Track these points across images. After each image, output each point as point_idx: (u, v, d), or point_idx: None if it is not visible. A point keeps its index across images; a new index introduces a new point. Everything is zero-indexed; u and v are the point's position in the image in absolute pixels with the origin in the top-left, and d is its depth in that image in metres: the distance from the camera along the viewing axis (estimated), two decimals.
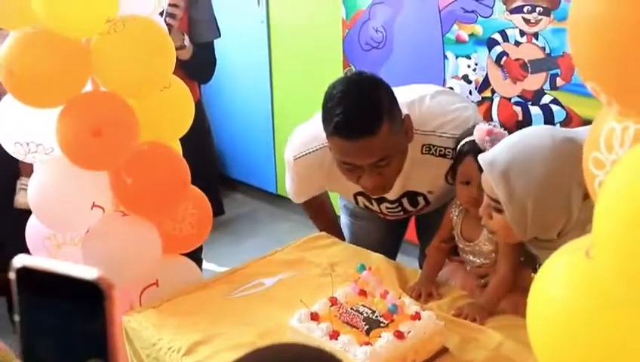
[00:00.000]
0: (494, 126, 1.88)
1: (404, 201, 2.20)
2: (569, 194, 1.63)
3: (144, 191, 2.14)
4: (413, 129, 2.00)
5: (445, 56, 3.47)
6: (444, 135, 2.02)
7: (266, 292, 2.10)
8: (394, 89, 1.98)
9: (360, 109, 1.86)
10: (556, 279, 0.99)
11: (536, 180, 1.64)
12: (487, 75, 3.31)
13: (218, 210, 3.33)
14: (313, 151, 2.12)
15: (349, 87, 1.91)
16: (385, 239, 2.42)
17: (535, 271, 1.84)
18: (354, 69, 3.88)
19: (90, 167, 2.12)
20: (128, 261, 2.18)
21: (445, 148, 2.02)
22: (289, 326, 1.75)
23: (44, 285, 0.56)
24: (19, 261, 0.57)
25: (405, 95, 2.08)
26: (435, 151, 2.02)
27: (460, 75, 3.40)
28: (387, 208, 2.24)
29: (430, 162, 2.02)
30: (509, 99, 3.26)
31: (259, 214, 4.76)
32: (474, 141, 1.89)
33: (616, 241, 0.83)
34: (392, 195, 2.17)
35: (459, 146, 1.96)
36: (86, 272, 0.55)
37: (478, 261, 1.99)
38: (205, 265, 3.82)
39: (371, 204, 2.24)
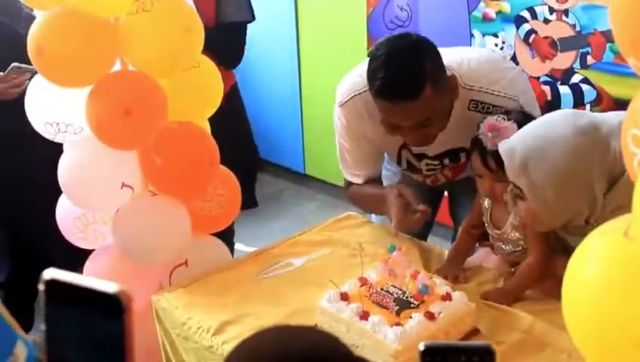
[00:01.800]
0: (502, 119, 1.83)
1: (445, 160, 2.19)
2: (590, 183, 1.61)
3: (173, 170, 2.14)
4: (461, 84, 1.99)
5: (472, 35, 3.42)
6: (493, 92, 1.99)
7: (294, 273, 2.09)
8: (442, 49, 1.96)
9: (402, 74, 1.85)
10: (593, 259, 0.97)
11: (555, 170, 1.62)
12: (514, 53, 3.27)
13: (250, 203, 3.19)
14: (359, 93, 2.09)
15: (392, 49, 1.89)
16: None
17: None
18: None
19: (119, 146, 2.12)
20: (158, 240, 2.18)
21: (493, 106, 1.98)
22: (318, 307, 1.74)
23: (69, 297, 0.61)
24: (48, 274, 0.62)
25: (454, 53, 2.07)
26: (482, 108, 1.99)
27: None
28: (427, 165, 2.23)
29: (476, 119, 1.98)
30: (538, 78, 3.21)
31: (285, 194, 4.75)
32: (477, 136, 1.87)
33: None
34: (433, 152, 2.16)
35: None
36: (108, 286, 0.60)
37: (508, 248, 1.97)
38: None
39: (414, 158, 2.23)
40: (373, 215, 2.47)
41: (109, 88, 2.07)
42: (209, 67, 2.26)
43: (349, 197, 2.38)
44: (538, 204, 1.67)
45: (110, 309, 0.59)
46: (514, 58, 3.26)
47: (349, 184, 2.35)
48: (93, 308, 0.60)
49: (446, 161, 2.19)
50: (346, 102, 2.14)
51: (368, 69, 1.92)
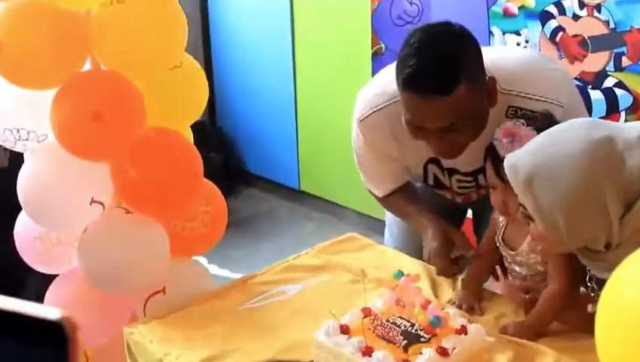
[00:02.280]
0: (521, 124, 1.83)
1: (480, 177, 2.15)
2: (604, 205, 1.59)
3: (150, 185, 2.13)
4: (499, 88, 1.97)
5: (491, 33, 3.43)
6: (534, 97, 1.97)
7: (288, 302, 2.09)
8: (483, 48, 1.96)
9: (436, 64, 1.85)
10: (632, 281, 0.97)
11: (562, 190, 1.61)
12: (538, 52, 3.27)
13: None
14: (379, 108, 2.10)
15: (428, 37, 1.90)
16: None
17: (586, 286, 1.81)
18: (384, 48, 3.85)
19: (89, 156, 2.11)
20: (131, 265, 2.17)
21: (533, 113, 1.96)
22: (315, 341, 1.73)
23: (3, 324, 0.59)
24: None
25: (493, 52, 2.08)
26: (522, 115, 1.96)
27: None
28: (459, 182, 2.21)
29: None
30: None
31: (279, 213, 4.76)
32: (491, 143, 1.87)
33: None
34: (466, 168, 2.15)
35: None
36: (49, 312, 0.58)
37: (523, 272, 1.95)
38: (217, 270, 3.83)
39: (443, 175, 2.21)
40: (387, 235, 2.47)
41: (77, 90, 2.06)
42: (193, 67, 2.26)
43: (383, 204, 2.39)
44: (546, 227, 1.66)
45: (52, 338, 0.58)
46: None
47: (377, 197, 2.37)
48: (31, 337, 0.59)
49: (481, 179, 2.15)
50: (365, 118, 2.14)
51: (398, 57, 1.91)
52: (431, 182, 2.25)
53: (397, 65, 1.91)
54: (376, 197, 2.37)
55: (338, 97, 4.09)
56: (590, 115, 3.00)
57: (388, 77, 2.00)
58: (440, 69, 1.84)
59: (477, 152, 2.00)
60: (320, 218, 4.54)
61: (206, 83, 2.31)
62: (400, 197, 2.29)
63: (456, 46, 1.89)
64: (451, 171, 2.18)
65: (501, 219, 1.99)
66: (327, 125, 4.21)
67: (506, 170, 1.69)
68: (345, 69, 4.17)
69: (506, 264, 2.01)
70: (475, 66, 1.90)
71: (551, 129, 1.73)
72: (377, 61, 3.92)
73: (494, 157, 1.86)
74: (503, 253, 1.99)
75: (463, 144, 1.97)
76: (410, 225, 2.33)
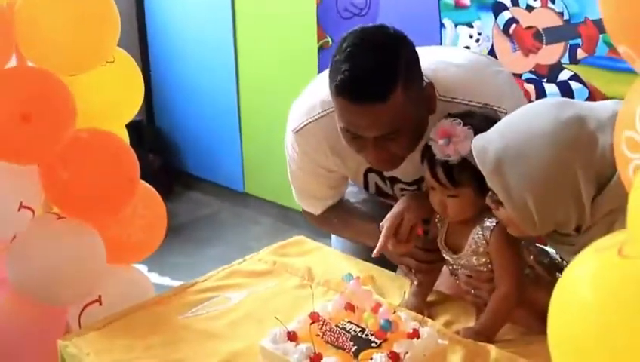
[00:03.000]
0: (457, 123, 1.83)
1: (423, 186, 2.17)
2: (576, 186, 1.63)
3: (83, 188, 2.13)
4: (437, 95, 1.98)
5: (442, 25, 3.47)
6: (475, 105, 1.98)
7: (232, 310, 2.08)
8: (422, 51, 1.96)
9: (370, 69, 1.84)
10: (583, 282, 0.98)
11: (532, 171, 1.64)
12: (492, 46, 3.32)
13: None
14: (315, 118, 2.11)
15: (361, 41, 1.88)
16: None
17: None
18: (330, 42, 3.87)
19: (16, 159, 2.10)
20: (65, 274, 2.16)
21: (470, 111, 1.97)
22: (261, 349, 1.74)
23: None
24: None
25: (429, 55, 2.06)
26: (459, 114, 1.99)
27: (460, 47, 3.40)
28: (402, 190, 2.22)
29: None
30: (520, 75, 3.27)
31: (222, 217, 4.75)
32: (429, 142, 1.88)
33: None
34: (408, 177, 2.16)
35: None
36: None
37: (466, 273, 1.97)
38: (158, 278, 3.82)
39: (385, 184, 2.23)
40: (334, 238, 2.49)
41: (2, 89, 2.04)
42: (127, 63, 2.25)
43: (316, 223, 2.39)
44: (516, 211, 1.69)
45: None
46: (492, 52, 3.32)
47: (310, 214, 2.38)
48: None
49: (424, 187, 2.18)
50: (301, 128, 2.14)
51: (331, 64, 1.91)
52: (372, 190, 2.27)
53: (330, 72, 1.90)
54: (311, 217, 2.37)
55: (283, 94, 4.07)
56: None
57: (323, 85, 1.98)
58: (375, 75, 1.83)
59: (418, 161, 1.99)
60: (266, 222, 4.55)
61: (141, 79, 2.30)
62: (338, 211, 2.31)
63: (392, 50, 1.87)
64: (393, 180, 2.20)
65: (439, 222, 2.01)
66: (272, 123, 4.20)
67: (474, 153, 1.71)
68: (290, 65, 4.18)
69: (449, 268, 2.02)
70: (412, 71, 1.90)
71: (520, 109, 1.75)
72: (324, 55, 3.93)
73: (430, 158, 1.86)
74: (446, 257, 2.00)
75: (401, 154, 1.97)
76: (356, 236, 2.33)
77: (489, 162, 1.68)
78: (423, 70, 1.95)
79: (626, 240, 0.94)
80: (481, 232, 1.88)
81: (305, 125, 2.13)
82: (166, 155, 5.01)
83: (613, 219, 1.63)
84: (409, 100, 1.86)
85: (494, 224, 1.85)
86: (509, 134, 1.68)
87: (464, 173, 1.82)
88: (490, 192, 1.75)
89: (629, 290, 0.92)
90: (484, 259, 1.91)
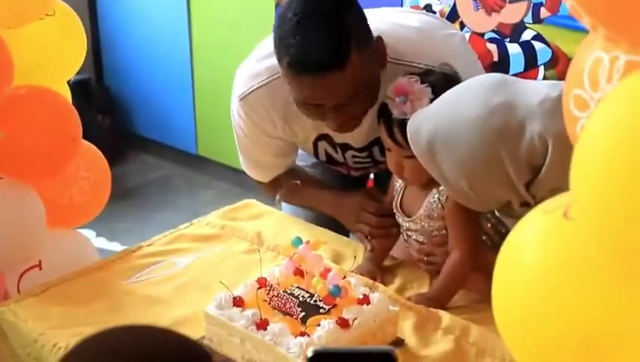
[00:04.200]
0: (415, 80, 1.84)
1: (375, 151, 2.19)
2: (505, 172, 1.67)
3: (21, 147, 2.11)
4: (390, 59, 1.99)
5: None
6: (427, 66, 1.99)
7: (178, 275, 2.09)
8: (365, 11, 1.95)
9: (322, 38, 1.82)
10: (529, 244, 1.00)
11: (462, 157, 1.69)
12: (454, 4, 3.32)
13: None
14: (261, 84, 2.10)
15: (306, 7, 1.85)
16: None
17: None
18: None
19: None
20: (2, 236, 2.14)
21: (428, 68, 1.99)
22: (205, 315, 1.74)
23: None
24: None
25: (378, 17, 2.07)
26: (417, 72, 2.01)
27: (422, 5, 3.40)
28: (354, 158, 2.24)
29: None
30: (482, 35, 3.28)
31: (174, 180, 4.73)
32: (384, 102, 1.89)
33: (599, 196, 0.83)
34: (360, 142, 2.17)
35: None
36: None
37: (420, 239, 1.99)
38: (106, 244, 3.81)
39: (335, 151, 2.24)
40: (284, 204, 2.49)
41: None
42: (67, 15, 2.22)
43: (267, 192, 2.40)
44: (454, 194, 1.76)
45: None
46: (453, 10, 3.32)
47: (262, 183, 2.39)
48: None
49: (376, 153, 2.20)
50: (246, 95, 2.13)
51: (276, 37, 1.88)
52: (323, 158, 2.28)
53: (278, 44, 1.87)
54: (259, 184, 2.39)
55: (238, 53, 4.02)
56: (508, 72, 3.08)
57: (269, 49, 1.97)
58: (328, 42, 1.82)
59: (367, 124, 2.03)
60: (220, 186, 4.54)
61: (83, 34, 2.28)
62: (288, 178, 2.31)
63: (339, 15, 1.85)
64: (344, 147, 2.21)
65: (398, 184, 2.02)
66: (226, 83, 4.11)
67: (409, 138, 1.74)
68: (245, 22, 4.14)
69: (402, 231, 2.04)
70: (361, 31, 1.89)
71: (452, 90, 1.77)
72: None
73: (387, 117, 1.87)
74: (400, 221, 2.01)
75: (360, 115, 1.99)
76: (308, 204, 2.35)
77: (422, 146, 1.72)
78: (373, 30, 1.94)
79: (571, 201, 0.95)
80: (437, 196, 1.89)
81: (251, 92, 2.12)
82: (116, 116, 4.96)
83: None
84: (363, 59, 1.87)
85: None
86: (440, 118, 1.72)
87: None
88: (393, 156, 1.83)
89: (572, 254, 0.93)
90: (438, 223, 1.93)
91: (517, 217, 1.76)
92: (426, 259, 1.98)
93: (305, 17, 1.83)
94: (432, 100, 1.80)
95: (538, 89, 1.71)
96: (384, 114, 1.89)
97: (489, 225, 1.95)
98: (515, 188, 1.69)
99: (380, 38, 1.96)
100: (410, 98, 1.82)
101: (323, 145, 2.23)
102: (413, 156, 1.82)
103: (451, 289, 1.91)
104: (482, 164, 1.69)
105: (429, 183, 1.89)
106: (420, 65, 1.98)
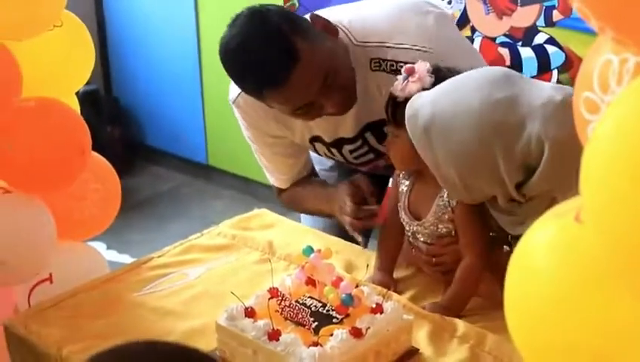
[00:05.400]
0: (428, 70, 1.84)
1: (370, 138, 2.21)
2: (495, 168, 1.69)
3: (30, 160, 2.11)
4: (353, 42, 2.07)
5: None
6: (395, 46, 2.05)
7: (189, 286, 2.09)
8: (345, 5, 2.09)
9: (269, 50, 1.93)
10: (540, 248, 1.00)
11: (455, 146, 1.71)
12: (465, 8, 3.32)
13: None
14: None
15: (243, 36, 1.97)
16: None
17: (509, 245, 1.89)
18: (297, 5, 3.86)
19: None
20: (13, 251, 2.15)
21: (397, 63, 2.04)
22: (217, 326, 1.75)
23: None
24: None
25: (351, 8, 2.17)
26: (387, 66, 2.06)
27: None
28: (351, 153, 2.26)
29: (383, 81, 2.05)
30: (494, 39, 3.28)
31: (185, 191, 4.74)
32: (392, 95, 1.89)
33: (608, 200, 0.83)
34: (349, 131, 2.20)
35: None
36: None
37: (429, 241, 1.98)
38: (117, 256, 3.82)
39: (331, 153, 2.27)
40: (302, 215, 2.50)
41: None
42: (76, 27, 2.23)
43: (284, 202, 2.44)
44: (442, 182, 1.78)
45: None
46: (464, 15, 3.32)
47: (279, 190, 2.42)
48: None
49: (370, 140, 2.22)
50: (236, 99, 2.22)
51: (231, 75, 2.02)
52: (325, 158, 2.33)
53: (236, 77, 2.02)
54: (280, 198, 2.43)
55: None
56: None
57: None
58: (275, 51, 1.92)
59: (353, 110, 2.11)
60: (231, 195, 4.54)
61: (91, 45, 2.29)
62: (313, 184, 2.36)
63: (268, 22, 1.96)
64: (338, 144, 2.24)
65: (404, 184, 2.01)
66: None
67: (407, 120, 1.75)
68: None
69: (408, 235, 2.02)
70: (293, 24, 1.97)
71: (454, 79, 1.78)
72: None
73: (393, 100, 1.88)
74: (406, 225, 1.99)
75: (348, 88, 2.05)
76: (322, 211, 2.35)
77: (418, 129, 1.74)
78: (338, 21, 2.07)
79: (581, 205, 0.95)
80: (446, 198, 1.89)
81: (238, 95, 2.19)
82: (125, 127, 4.98)
83: (553, 194, 1.67)
84: (312, 41, 1.95)
85: None
86: (439, 105, 1.73)
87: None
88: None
89: (583, 257, 0.94)
90: (447, 226, 1.93)
91: (502, 212, 1.80)
92: (434, 260, 1.98)
93: (244, 43, 1.96)
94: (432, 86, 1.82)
95: (543, 89, 1.72)
96: (391, 100, 1.90)
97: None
98: (505, 186, 1.71)
99: (312, 15, 2.05)
100: (410, 79, 1.83)
101: (320, 147, 2.28)
102: (397, 136, 1.87)
103: (465, 296, 1.91)
104: (475, 156, 1.70)
105: (436, 186, 1.89)
106: (386, 44, 2.05)
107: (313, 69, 1.93)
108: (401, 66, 1.94)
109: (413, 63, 1.89)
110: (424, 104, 1.74)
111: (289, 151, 2.31)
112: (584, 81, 1.07)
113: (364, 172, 2.33)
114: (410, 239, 2.01)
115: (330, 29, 2.04)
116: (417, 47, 2.03)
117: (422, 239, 1.97)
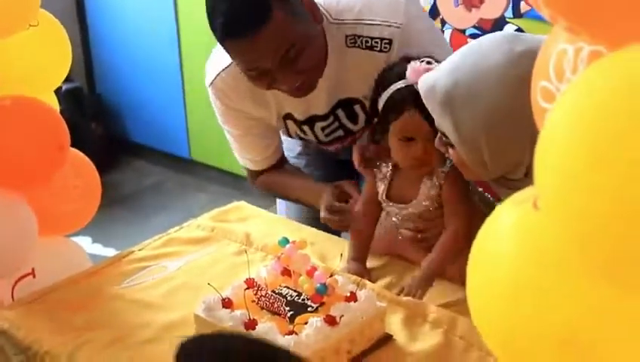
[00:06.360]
0: (426, 63, 1.82)
1: (340, 114, 2.23)
2: (528, 124, 1.61)
3: (8, 157, 2.10)
4: (330, 20, 2.08)
5: None
6: (368, 22, 2.07)
7: (168, 279, 2.09)
8: None
9: (245, 1, 1.92)
10: (501, 235, 0.99)
11: (483, 108, 1.61)
12: (435, 1, 3.32)
13: None
14: (224, 68, 2.19)
15: None
16: None
17: None
18: None
19: None
20: None
21: (372, 39, 2.07)
22: (195, 317, 1.75)
23: None
24: None
25: None
26: (362, 42, 2.08)
27: None
28: (323, 130, 2.27)
29: (358, 57, 2.08)
30: (463, 31, 3.28)
31: (167, 185, 4.74)
32: (411, 86, 1.83)
33: (560, 187, 0.83)
34: (322, 108, 2.20)
35: (387, 94, 1.90)
36: None
37: (410, 226, 1.99)
38: (102, 249, 3.81)
39: (303, 132, 2.28)
40: (279, 205, 2.50)
41: None
42: (52, 25, 2.22)
43: (260, 187, 2.43)
44: (467, 152, 1.67)
45: None
46: (434, 7, 3.32)
47: (253, 173, 2.41)
48: None
49: (342, 117, 2.23)
50: (214, 80, 2.23)
51: (208, 17, 1.99)
52: (296, 138, 2.34)
53: (210, 24, 1.98)
54: (253, 181, 2.43)
55: None
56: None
57: None
58: (249, 3, 1.92)
59: (325, 86, 2.12)
60: (213, 189, 4.54)
61: (68, 43, 2.27)
62: (280, 173, 2.37)
63: None
64: (310, 121, 2.25)
65: (384, 170, 2.00)
66: None
67: (422, 94, 1.69)
68: None
69: (395, 220, 2.02)
70: None
71: (470, 44, 1.72)
72: None
73: (417, 103, 1.78)
74: (387, 210, 2.00)
75: (312, 74, 2.05)
76: (298, 198, 2.37)
77: (438, 101, 1.65)
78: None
79: (537, 192, 0.95)
80: (434, 180, 1.89)
81: (217, 76, 2.21)
82: (109, 123, 4.97)
83: None
84: (290, 13, 1.94)
85: (448, 169, 1.88)
86: (459, 71, 1.64)
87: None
88: (439, 134, 1.73)
89: (541, 242, 0.94)
90: (436, 206, 1.93)
91: (508, 187, 1.74)
92: (420, 236, 1.98)
93: None
94: None
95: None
96: (414, 102, 1.80)
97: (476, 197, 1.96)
98: (535, 141, 1.62)
99: None
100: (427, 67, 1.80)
101: (292, 125, 2.28)
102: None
103: (444, 262, 1.90)
104: (506, 113, 1.60)
105: (421, 173, 1.91)
106: (363, 21, 2.07)
107: (278, 38, 1.92)
108: (376, 42, 2.03)
109: (388, 39, 1.99)
110: (439, 77, 1.66)
111: (264, 133, 2.31)
112: (541, 71, 1.07)
113: (331, 153, 2.36)
114: (396, 223, 2.01)
115: (315, 14, 2.04)
116: (388, 23, 2.06)
117: (411, 221, 1.98)
